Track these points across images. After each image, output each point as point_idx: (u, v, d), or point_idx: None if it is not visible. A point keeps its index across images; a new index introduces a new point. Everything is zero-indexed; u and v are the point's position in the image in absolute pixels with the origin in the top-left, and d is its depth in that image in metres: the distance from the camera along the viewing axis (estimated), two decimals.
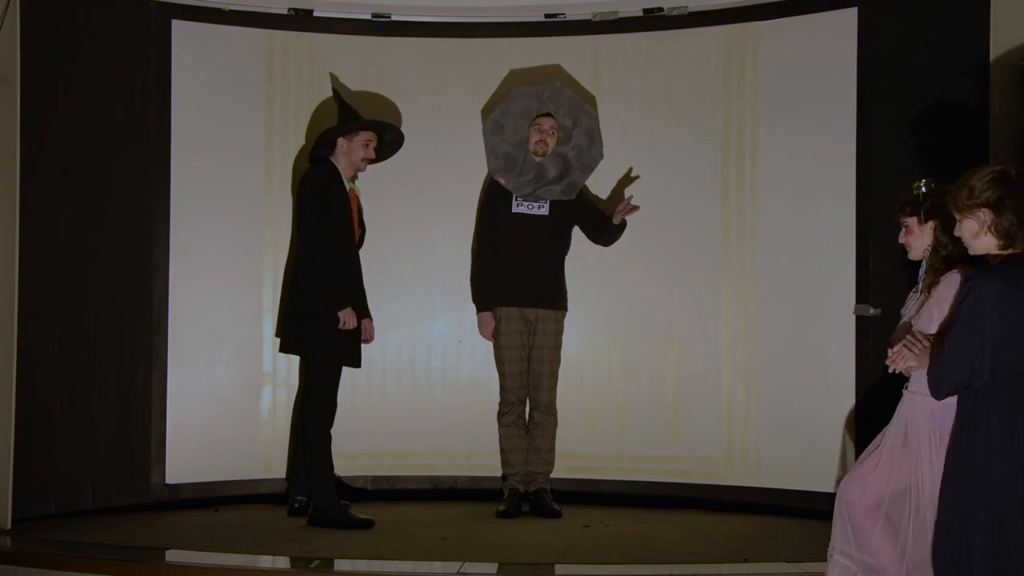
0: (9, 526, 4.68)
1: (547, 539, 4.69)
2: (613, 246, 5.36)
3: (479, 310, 5.32)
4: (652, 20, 5.54)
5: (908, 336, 3.40)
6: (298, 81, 5.61)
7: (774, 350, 5.23)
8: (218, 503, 5.36)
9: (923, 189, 3.60)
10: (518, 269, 5.23)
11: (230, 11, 5.49)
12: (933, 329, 3.43)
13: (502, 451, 5.33)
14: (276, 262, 5.50)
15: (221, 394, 5.45)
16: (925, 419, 3.37)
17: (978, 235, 3.16)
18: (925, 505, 3.33)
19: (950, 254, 3.49)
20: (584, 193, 5.41)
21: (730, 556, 4.36)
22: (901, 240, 3.61)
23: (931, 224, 3.54)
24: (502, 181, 5.32)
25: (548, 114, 5.31)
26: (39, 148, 4.95)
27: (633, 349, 5.55)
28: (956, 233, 3.23)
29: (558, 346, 5.29)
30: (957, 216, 3.20)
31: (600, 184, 5.57)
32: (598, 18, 5.59)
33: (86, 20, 5.15)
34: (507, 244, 5.26)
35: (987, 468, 3.00)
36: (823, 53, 5.14)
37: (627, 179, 5.52)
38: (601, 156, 5.35)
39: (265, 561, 4.35)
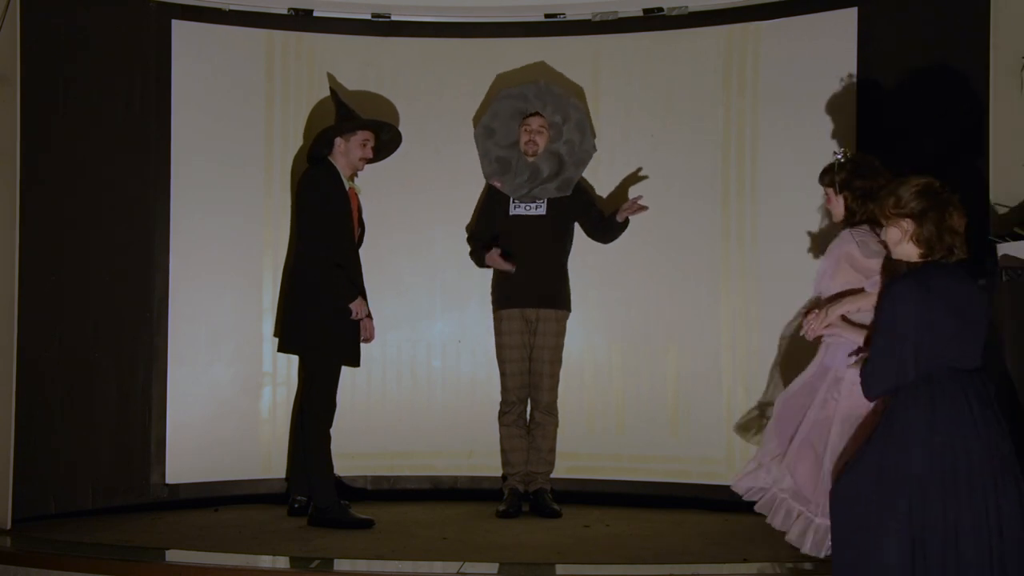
0: (9, 526, 4.68)
1: (547, 539, 4.69)
2: (614, 247, 5.36)
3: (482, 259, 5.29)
4: (652, 20, 5.54)
5: (813, 311, 3.85)
6: (298, 81, 5.61)
7: (774, 350, 5.22)
8: (218, 503, 5.36)
9: (840, 159, 4.02)
10: (519, 272, 5.22)
11: (230, 11, 5.49)
12: (825, 283, 3.96)
13: (502, 451, 5.33)
14: (276, 262, 5.50)
15: (221, 394, 5.45)
16: (843, 361, 3.81)
17: (900, 243, 3.39)
18: (833, 443, 3.81)
19: (861, 219, 3.93)
20: (583, 189, 5.42)
21: (730, 556, 4.36)
22: (823, 207, 4.12)
23: (844, 193, 3.99)
24: (498, 185, 5.33)
25: (536, 113, 5.31)
26: (39, 148, 4.95)
27: (633, 349, 5.55)
28: (882, 238, 3.48)
29: (559, 347, 5.28)
30: (883, 222, 3.43)
31: (601, 183, 5.57)
32: (598, 18, 5.59)
33: (86, 20, 5.16)
34: (506, 247, 5.25)
35: (906, 458, 3.19)
36: (823, 53, 5.14)
37: (633, 178, 5.52)
38: (594, 148, 5.36)
39: (265, 561, 4.35)
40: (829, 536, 3.60)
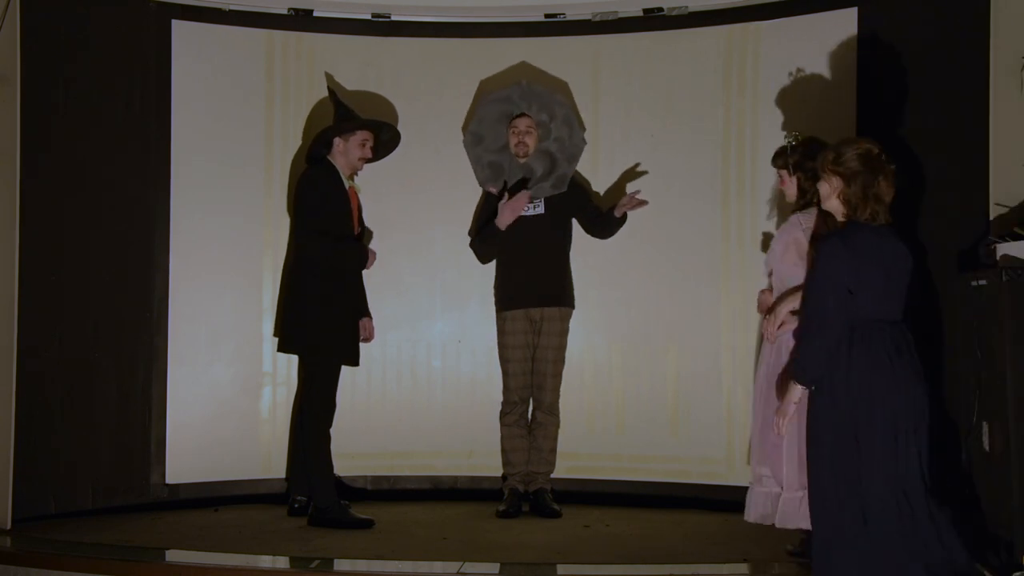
0: (9, 526, 4.68)
1: (547, 539, 4.69)
2: (614, 246, 5.36)
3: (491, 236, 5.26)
4: (652, 20, 5.54)
5: (766, 316, 4.17)
6: (298, 81, 5.61)
7: None
8: (218, 503, 5.36)
9: (791, 142, 4.23)
10: (520, 273, 5.23)
11: (230, 11, 5.49)
12: (775, 262, 4.20)
13: (503, 451, 5.32)
14: (276, 262, 5.50)
15: (221, 394, 5.46)
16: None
17: (829, 197, 3.68)
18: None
19: (812, 199, 4.08)
20: (579, 185, 5.41)
21: (730, 556, 4.36)
22: (775, 188, 4.32)
23: (797, 174, 4.20)
24: (493, 191, 5.33)
25: (522, 114, 5.31)
26: (39, 148, 4.95)
27: (633, 349, 5.55)
28: (819, 187, 3.73)
29: (562, 346, 5.28)
30: (820, 174, 3.70)
31: (601, 183, 5.58)
32: (598, 18, 5.59)
33: (86, 20, 5.16)
34: (507, 250, 5.25)
35: (833, 403, 3.51)
36: (823, 53, 5.14)
37: (631, 174, 5.52)
38: (584, 142, 5.36)
39: (265, 561, 4.36)
40: (792, 506, 4.06)
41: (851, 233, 3.57)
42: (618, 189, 5.52)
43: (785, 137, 4.31)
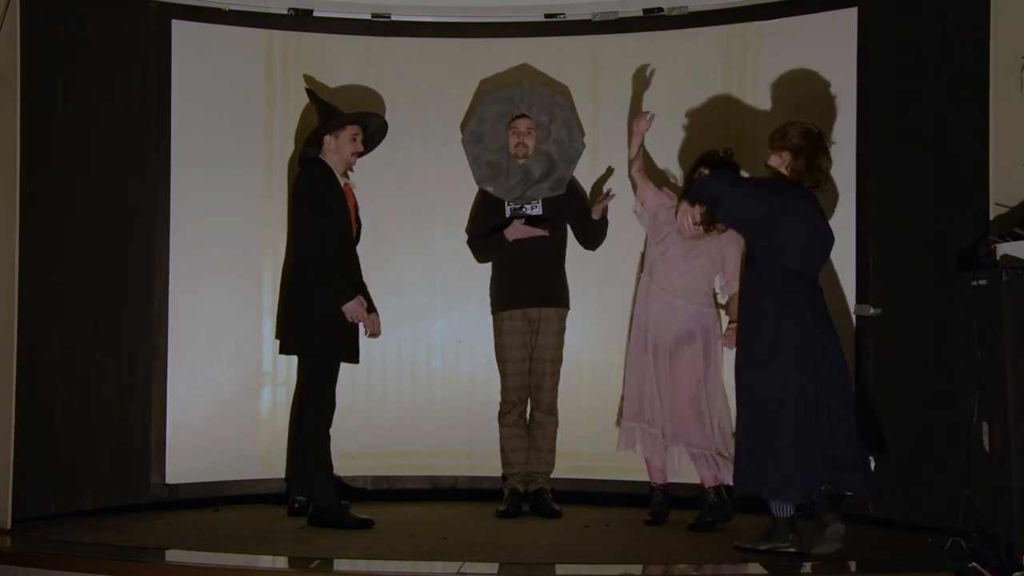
0: (9, 526, 4.67)
1: (547, 539, 4.69)
2: (615, 246, 5.35)
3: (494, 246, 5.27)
4: (652, 20, 5.54)
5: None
6: (298, 81, 5.60)
7: None
8: (218, 503, 5.36)
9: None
10: (519, 273, 5.22)
11: (230, 11, 5.49)
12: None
13: (503, 451, 5.32)
14: (276, 262, 5.50)
15: (221, 394, 5.46)
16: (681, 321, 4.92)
17: (779, 168, 4.41)
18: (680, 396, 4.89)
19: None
20: (579, 194, 5.41)
21: (730, 556, 4.36)
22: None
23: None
24: (490, 190, 5.33)
25: (522, 115, 5.31)
26: (39, 148, 4.95)
27: None
28: (768, 163, 4.44)
29: (560, 345, 5.29)
30: (769, 150, 4.44)
31: (601, 183, 5.57)
32: (598, 18, 5.59)
33: (86, 20, 5.15)
34: (507, 249, 5.24)
35: (758, 347, 4.32)
36: (823, 53, 5.14)
37: (606, 175, 5.52)
38: (583, 145, 5.37)
39: (265, 561, 4.35)
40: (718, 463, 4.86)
41: (791, 189, 4.33)
42: (596, 192, 5.50)
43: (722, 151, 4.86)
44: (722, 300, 5.06)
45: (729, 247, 4.91)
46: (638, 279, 5.20)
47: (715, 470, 4.90)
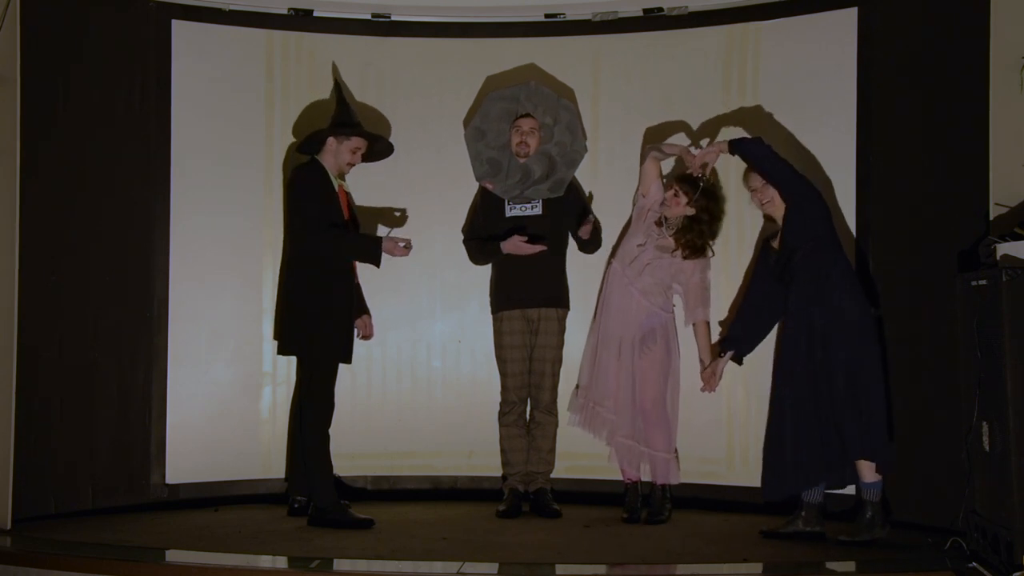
0: (9, 526, 4.68)
1: (547, 539, 4.69)
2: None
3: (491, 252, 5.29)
4: (652, 20, 5.54)
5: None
6: (298, 81, 5.61)
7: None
8: (218, 503, 5.37)
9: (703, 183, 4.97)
10: (519, 273, 5.22)
11: (230, 11, 5.49)
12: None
13: (502, 451, 5.32)
14: (276, 262, 5.48)
15: (221, 394, 5.46)
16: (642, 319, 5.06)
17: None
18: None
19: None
20: (581, 199, 5.40)
21: (730, 556, 4.36)
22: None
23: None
24: (490, 187, 5.33)
25: (527, 115, 5.31)
26: (39, 148, 4.95)
27: None
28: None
29: (560, 345, 5.29)
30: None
31: (601, 183, 5.57)
32: (598, 18, 5.59)
33: (86, 20, 5.16)
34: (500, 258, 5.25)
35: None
36: (823, 53, 5.14)
37: (588, 199, 5.52)
38: (585, 149, 5.37)
39: (265, 561, 4.35)
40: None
41: None
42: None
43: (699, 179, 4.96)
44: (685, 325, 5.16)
45: (691, 276, 5.06)
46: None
47: (666, 472, 5.08)
